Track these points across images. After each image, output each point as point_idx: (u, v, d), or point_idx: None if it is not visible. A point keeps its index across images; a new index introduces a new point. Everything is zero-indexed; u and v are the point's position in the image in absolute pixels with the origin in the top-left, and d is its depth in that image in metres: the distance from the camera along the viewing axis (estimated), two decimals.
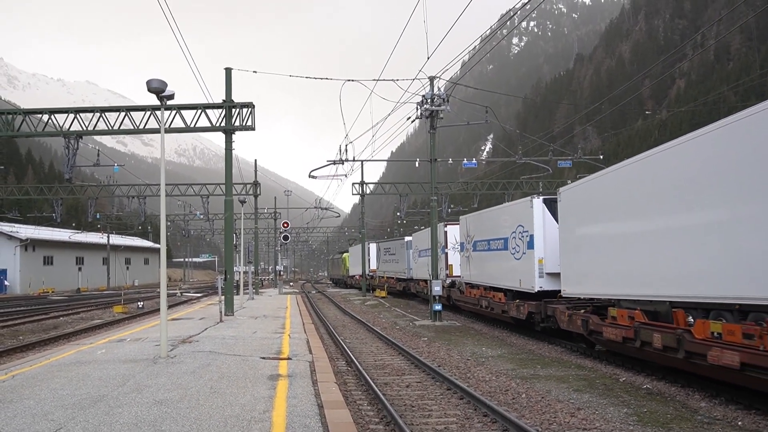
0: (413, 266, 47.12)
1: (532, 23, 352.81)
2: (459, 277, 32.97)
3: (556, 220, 21.04)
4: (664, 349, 13.34)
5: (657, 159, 14.36)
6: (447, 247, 34.93)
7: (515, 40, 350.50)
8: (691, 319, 13.23)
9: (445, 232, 35.22)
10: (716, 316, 12.49)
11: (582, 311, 18.33)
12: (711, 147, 12.33)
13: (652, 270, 14.44)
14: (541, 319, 21.47)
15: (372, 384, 13.65)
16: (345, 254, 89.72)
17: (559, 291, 20.33)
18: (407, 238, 51.25)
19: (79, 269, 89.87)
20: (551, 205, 21.82)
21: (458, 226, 33.46)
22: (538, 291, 21.96)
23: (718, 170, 12.01)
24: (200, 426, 8.77)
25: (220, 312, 26.51)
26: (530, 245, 22.53)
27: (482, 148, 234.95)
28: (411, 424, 10.69)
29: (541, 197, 22.72)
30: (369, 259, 64.75)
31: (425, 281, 40.07)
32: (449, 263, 34.47)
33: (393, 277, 56.14)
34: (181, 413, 9.49)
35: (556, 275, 21.01)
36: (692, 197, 12.89)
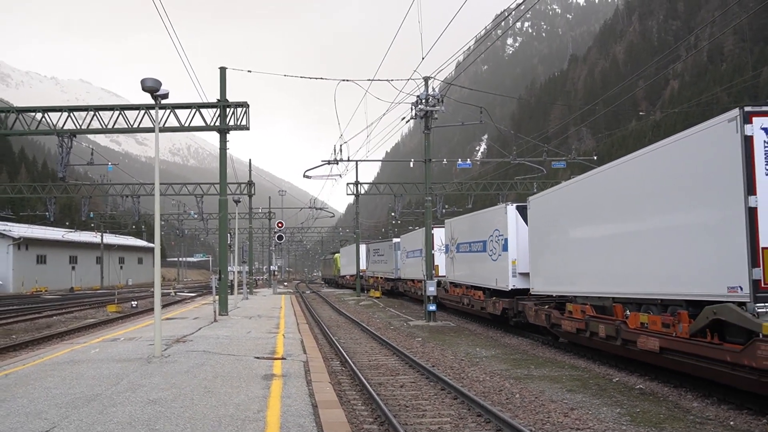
0: (401, 266, 49.44)
1: (526, 24, 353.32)
2: (444, 277, 35.44)
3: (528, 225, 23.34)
4: (607, 337, 15.88)
5: (600, 177, 17.14)
6: (433, 249, 35.20)
7: (510, 41, 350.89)
8: (627, 312, 15.44)
9: (432, 235, 35.36)
10: (645, 309, 14.67)
11: (546, 307, 20.70)
12: (638, 169, 14.89)
13: (599, 271, 16.95)
14: (513, 315, 23.92)
15: (366, 384, 13.66)
16: (336, 255, 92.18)
17: (529, 289, 22.73)
18: (395, 240, 53.42)
19: (73, 268, 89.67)
20: (523, 212, 24.09)
21: (444, 229, 36.24)
22: (512, 289, 24.24)
23: (642, 189, 14.59)
24: (194, 425, 8.76)
25: (215, 312, 26.49)
26: (504, 248, 24.91)
27: (477, 148, 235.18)
28: (405, 424, 10.70)
29: (514, 205, 25.10)
30: (360, 259, 65.50)
31: (413, 281, 43.79)
32: (435, 264, 35.33)
33: (382, 277, 58.30)
34: (175, 412, 9.48)
35: (527, 275, 23.32)
36: (625, 210, 15.52)
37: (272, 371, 13.29)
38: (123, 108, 28.69)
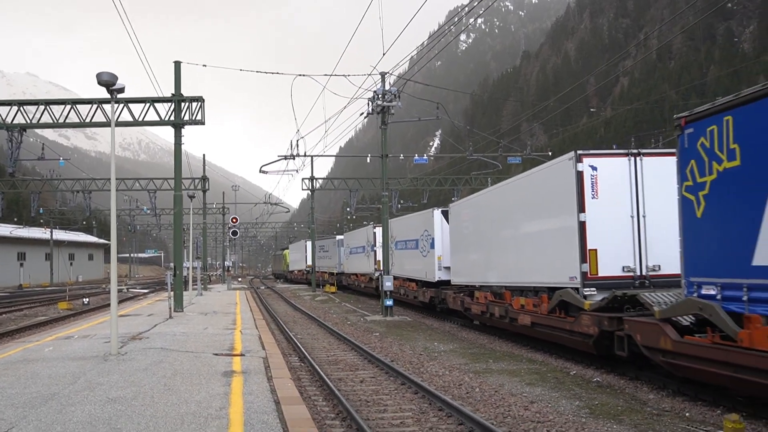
0: (344, 262, 54.67)
1: (479, 20, 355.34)
2: None
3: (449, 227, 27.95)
4: (500, 317, 20.61)
5: (494, 194, 22.64)
6: (375, 246, 41.31)
7: (463, 37, 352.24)
8: (513, 297, 19.87)
9: (374, 233, 41.97)
10: (524, 294, 19.17)
11: (462, 295, 25.09)
12: (516, 190, 20.13)
13: (495, 266, 21.81)
14: (438, 302, 28.64)
15: (327, 380, 13.66)
16: (286, 251, 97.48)
17: (450, 280, 27.15)
18: (339, 237, 58.56)
19: (21, 265, 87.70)
20: (446, 215, 28.51)
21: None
22: (438, 280, 28.74)
23: (519, 204, 19.69)
24: (156, 423, 8.69)
25: (170, 308, 26.18)
26: (432, 245, 29.45)
27: (430, 143, 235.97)
28: (367, 419, 10.73)
29: (440, 209, 29.77)
30: (307, 256, 70.84)
31: (355, 275, 49.58)
32: (378, 259, 40.04)
33: (326, 272, 62.49)
34: (136, 411, 9.39)
35: (449, 269, 27.58)
36: (509, 220, 20.51)
37: (232, 368, 13.22)
38: (75, 102, 28.17)
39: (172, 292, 27.23)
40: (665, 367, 12.13)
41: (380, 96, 30.02)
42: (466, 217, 25.26)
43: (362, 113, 31.86)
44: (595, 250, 15.37)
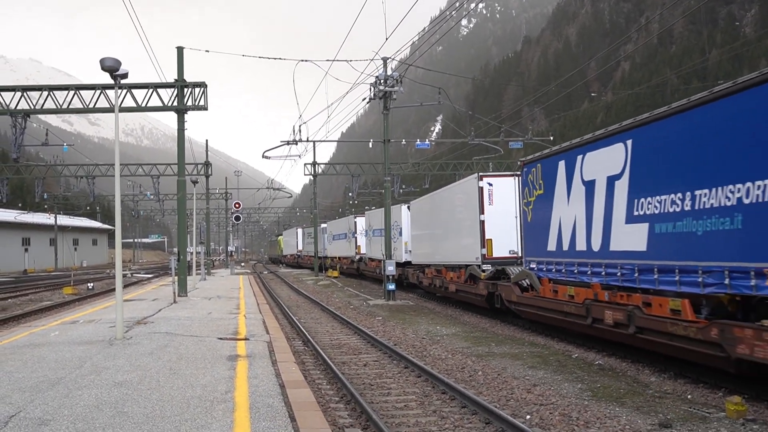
0: (328, 247, 63.17)
1: (480, 5, 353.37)
2: (365, 254, 47.33)
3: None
4: (438, 287, 28.41)
5: (435, 197, 30.17)
6: (356, 233, 49.36)
7: (464, 22, 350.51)
8: (450, 273, 26.50)
9: (355, 222, 49.97)
10: (453, 270, 26.06)
11: (417, 272, 32.55)
12: (445, 195, 28.01)
13: (436, 250, 29.09)
14: (404, 278, 35.14)
15: (330, 363, 13.76)
16: (280, 237, 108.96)
17: (411, 261, 34.07)
18: (323, 225, 65.44)
19: (26, 250, 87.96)
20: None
21: (364, 218, 47.81)
22: (404, 261, 35.08)
23: (448, 207, 27.12)
24: (163, 407, 8.76)
25: (174, 293, 26.30)
26: (400, 233, 36.10)
27: (432, 128, 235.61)
28: (371, 402, 10.83)
29: (407, 205, 35.97)
30: (298, 242, 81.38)
31: (339, 258, 58.10)
32: (358, 244, 49.16)
33: (313, 256, 65.37)
34: (142, 395, 9.47)
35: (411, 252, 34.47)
36: (442, 218, 27.95)
37: (236, 352, 13.31)
38: (78, 88, 28.15)
39: (176, 277, 27.34)
40: (516, 312, 19.85)
41: (382, 81, 30.00)
42: (420, 213, 32.70)
43: (365, 98, 31.84)
44: (491, 239, 22.49)
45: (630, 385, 12.09)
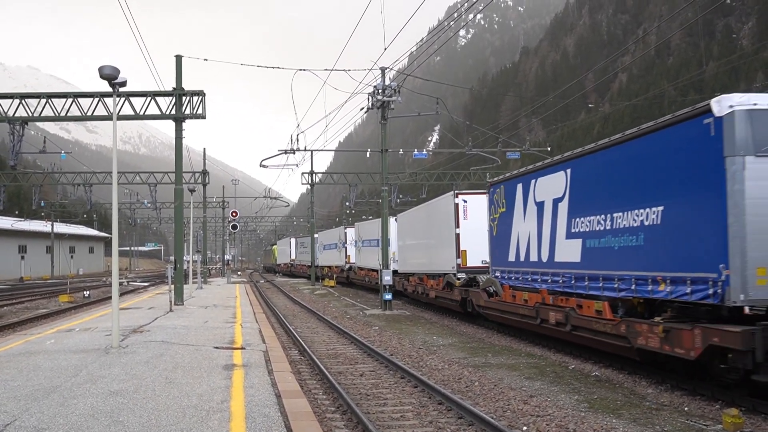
0: (319, 256, 65.00)
1: (479, 16, 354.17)
2: (354, 263, 50.38)
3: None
4: (421, 293, 30.98)
5: (416, 212, 33.60)
6: (346, 243, 52.23)
7: (462, 32, 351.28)
8: (430, 280, 29.14)
9: (345, 233, 52.92)
10: (433, 278, 28.63)
11: (402, 279, 34.86)
12: (425, 211, 31.37)
13: (419, 259, 31.56)
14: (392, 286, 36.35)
15: (327, 373, 13.72)
16: (274, 246, 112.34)
17: (398, 270, 35.68)
18: (315, 236, 65.87)
19: (22, 258, 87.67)
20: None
21: (354, 229, 50.50)
22: (393, 270, 35.28)
23: (428, 221, 29.78)
24: (158, 417, 8.75)
25: (170, 301, 26.25)
26: (389, 244, 35.93)
27: (429, 138, 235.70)
28: (367, 412, 10.80)
29: (396, 217, 38.72)
30: (291, 251, 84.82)
31: (329, 267, 60.85)
32: (348, 254, 52.12)
33: (305, 264, 70.24)
34: (138, 404, 9.45)
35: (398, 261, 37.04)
36: (424, 231, 30.61)
37: (233, 361, 13.29)
38: (76, 95, 28.14)
39: (172, 286, 27.30)
40: (484, 315, 22.17)
41: (380, 91, 30.04)
42: (405, 225, 35.57)
43: (363, 108, 31.88)
44: (465, 250, 24.85)
45: (627, 396, 12.08)
